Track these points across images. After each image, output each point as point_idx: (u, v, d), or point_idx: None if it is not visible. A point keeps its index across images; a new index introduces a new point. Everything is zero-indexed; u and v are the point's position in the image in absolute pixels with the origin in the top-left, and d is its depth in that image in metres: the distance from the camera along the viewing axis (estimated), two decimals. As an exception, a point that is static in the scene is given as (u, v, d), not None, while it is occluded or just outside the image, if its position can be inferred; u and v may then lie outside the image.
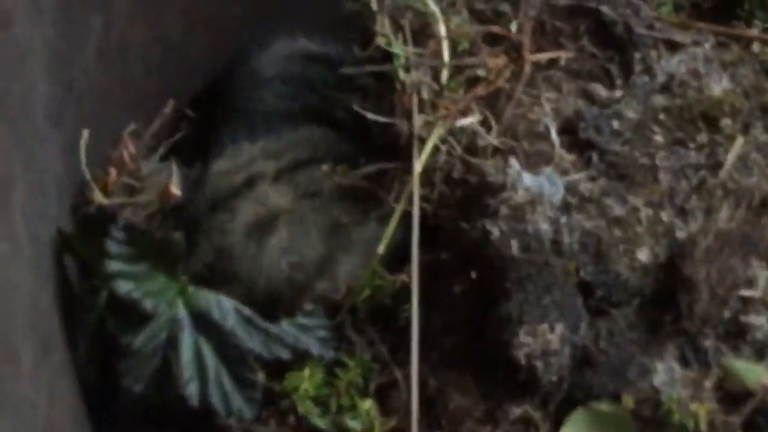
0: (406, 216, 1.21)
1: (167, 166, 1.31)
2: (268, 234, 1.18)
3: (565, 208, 1.19)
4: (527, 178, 1.16)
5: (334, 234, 1.20)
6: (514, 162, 1.15)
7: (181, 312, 1.10)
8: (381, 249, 1.16)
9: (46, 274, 1.07)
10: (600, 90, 1.35)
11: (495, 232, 1.12)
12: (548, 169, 1.18)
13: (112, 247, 1.07)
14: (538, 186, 1.17)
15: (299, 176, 1.23)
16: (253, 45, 1.41)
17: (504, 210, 1.14)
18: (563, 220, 1.17)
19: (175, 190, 1.18)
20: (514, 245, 1.12)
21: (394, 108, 1.24)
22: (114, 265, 1.07)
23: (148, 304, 1.06)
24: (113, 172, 1.19)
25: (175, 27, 1.35)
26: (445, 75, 1.24)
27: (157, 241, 1.09)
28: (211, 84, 1.43)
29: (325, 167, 1.20)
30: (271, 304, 1.21)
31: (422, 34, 1.31)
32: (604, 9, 1.35)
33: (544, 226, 1.14)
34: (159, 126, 1.30)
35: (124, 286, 1.05)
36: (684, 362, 1.15)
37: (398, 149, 1.23)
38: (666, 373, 1.13)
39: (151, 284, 1.06)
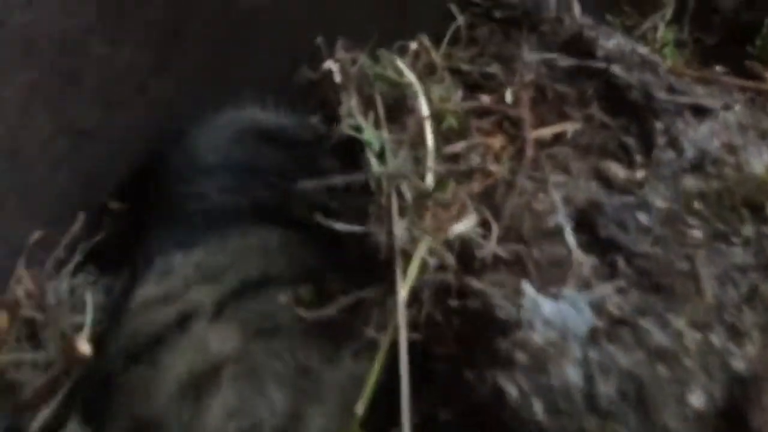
0: (390, 353, 0.85)
1: (82, 289, 0.93)
2: (208, 393, 0.76)
3: (593, 337, 0.84)
4: (546, 307, 0.80)
5: (298, 382, 0.78)
6: (527, 287, 0.79)
7: None
8: (360, 408, 0.80)
9: None
10: (617, 170, 0.99)
11: (512, 392, 0.75)
12: (570, 291, 0.83)
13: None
14: (560, 317, 0.81)
15: (248, 307, 0.80)
16: (189, 122, 1.03)
17: (521, 357, 0.76)
18: (593, 356, 0.81)
19: (83, 346, 0.76)
20: (538, 407, 0.75)
21: (367, 210, 0.88)
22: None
23: None
24: (4, 317, 0.81)
25: (84, 110, 0.91)
26: (430, 165, 0.88)
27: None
28: (138, 170, 1.05)
29: (283, 297, 0.78)
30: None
31: (398, 110, 0.93)
32: (616, 69, 0.99)
33: (573, 376, 0.78)
34: (72, 236, 0.92)
35: None
36: None
37: (376, 265, 0.87)
38: None
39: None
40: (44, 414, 0.76)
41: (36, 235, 0.88)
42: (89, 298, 0.81)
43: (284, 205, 0.89)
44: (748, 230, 0.88)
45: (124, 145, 0.95)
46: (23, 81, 0.83)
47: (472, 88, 0.95)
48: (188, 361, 0.77)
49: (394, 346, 0.78)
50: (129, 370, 0.77)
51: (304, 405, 0.78)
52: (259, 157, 0.93)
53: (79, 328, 0.85)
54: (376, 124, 0.81)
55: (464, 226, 0.78)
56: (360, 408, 0.75)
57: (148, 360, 0.77)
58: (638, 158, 0.93)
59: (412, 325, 0.79)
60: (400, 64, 0.81)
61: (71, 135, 0.90)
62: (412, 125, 0.81)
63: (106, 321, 0.87)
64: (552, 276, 0.81)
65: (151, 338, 0.78)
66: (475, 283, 0.77)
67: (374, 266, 0.80)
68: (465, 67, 0.94)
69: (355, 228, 0.79)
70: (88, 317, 0.79)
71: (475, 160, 0.81)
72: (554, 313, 0.75)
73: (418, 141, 0.82)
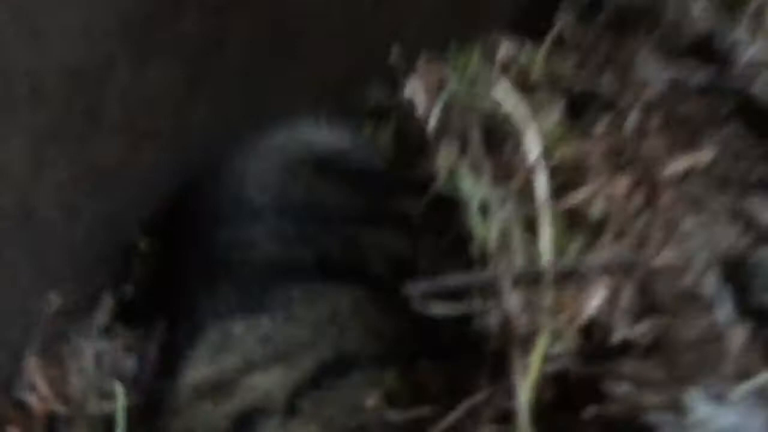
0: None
1: (110, 362, 0.77)
2: None
3: None
4: (720, 424, 0.64)
5: None
6: (693, 398, 0.62)
7: None
8: None
9: None
10: (761, 209, 0.83)
11: None
12: (740, 391, 0.66)
13: None
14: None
15: (328, 400, 0.63)
16: (229, 149, 0.86)
17: None
18: None
19: None
20: None
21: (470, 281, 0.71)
22: None
23: None
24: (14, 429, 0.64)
25: (106, 147, 0.71)
26: (545, 223, 0.71)
27: None
28: (171, 208, 0.88)
29: (370, 401, 0.61)
30: None
31: (497, 149, 0.76)
32: (757, 90, 0.80)
33: None
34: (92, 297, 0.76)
35: None
36: None
37: (485, 354, 0.70)
38: None
39: None
40: None
41: (53, 303, 0.73)
42: (119, 391, 0.65)
43: (356, 259, 0.73)
44: None
45: (153, 180, 0.79)
46: (33, 125, 0.66)
47: (573, 105, 0.78)
48: None
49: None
50: None
51: None
52: (320, 194, 0.77)
53: (107, 420, 0.70)
54: (475, 169, 0.65)
55: (596, 304, 0.63)
56: None
57: None
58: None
59: None
60: (504, 90, 0.64)
61: (91, 177, 0.74)
62: (519, 170, 0.65)
63: (142, 401, 0.72)
64: (704, 365, 0.66)
65: None
66: (618, 386, 0.62)
67: (481, 355, 0.65)
68: (566, 79, 0.76)
69: (457, 307, 0.63)
70: (120, 415, 0.64)
71: (600, 210, 0.65)
72: (726, 426, 0.59)
73: (526, 190, 0.66)
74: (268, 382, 0.64)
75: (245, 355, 0.66)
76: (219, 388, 0.65)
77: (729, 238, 0.73)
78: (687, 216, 0.72)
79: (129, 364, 0.76)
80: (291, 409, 0.63)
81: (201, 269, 0.77)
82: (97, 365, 0.74)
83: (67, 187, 0.70)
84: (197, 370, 0.67)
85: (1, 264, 0.66)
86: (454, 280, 0.57)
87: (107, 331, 0.78)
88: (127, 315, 0.79)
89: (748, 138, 0.77)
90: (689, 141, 0.75)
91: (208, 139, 0.81)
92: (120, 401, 0.64)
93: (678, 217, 0.72)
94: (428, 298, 0.59)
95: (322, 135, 0.81)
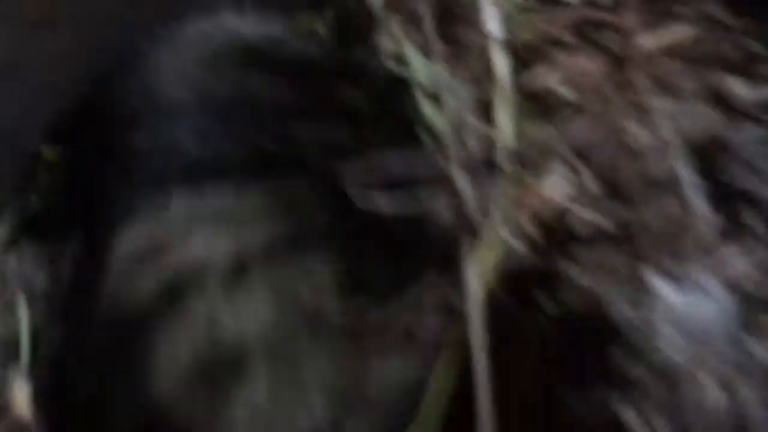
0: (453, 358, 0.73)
1: (14, 281, 0.76)
2: (228, 387, 0.63)
3: (729, 330, 0.72)
4: (674, 302, 0.67)
5: (342, 385, 0.70)
6: (658, 282, 0.66)
7: None
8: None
9: None
10: (739, 88, 0.85)
11: (631, 420, 0.62)
12: (700, 273, 0.69)
13: None
14: (692, 314, 0.69)
15: (280, 270, 0.65)
16: (143, 40, 0.84)
17: (644, 374, 0.66)
18: (735, 359, 0.70)
19: (23, 409, 0.63)
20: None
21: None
22: None
23: None
24: None
25: (4, 35, 0.74)
26: (505, 112, 0.71)
27: None
28: (79, 109, 0.86)
29: (310, 287, 0.64)
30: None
31: (448, 19, 0.76)
32: None
33: (712, 393, 0.67)
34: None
35: None
36: None
37: (434, 243, 0.73)
38: None
39: None
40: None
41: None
42: (24, 317, 0.65)
43: (296, 155, 0.73)
44: None
45: (57, 77, 0.78)
46: None
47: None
48: (194, 346, 0.62)
49: (459, 350, 0.67)
50: (112, 366, 0.64)
51: (345, 415, 0.66)
52: (250, 87, 0.77)
53: (11, 348, 0.70)
54: (424, 49, 0.66)
55: (552, 187, 0.65)
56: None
57: (138, 347, 0.62)
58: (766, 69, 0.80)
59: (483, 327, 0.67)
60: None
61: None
62: (476, 50, 0.66)
63: (61, 311, 0.73)
64: (669, 247, 0.69)
65: (138, 312, 0.63)
66: (573, 268, 0.64)
67: (430, 245, 0.67)
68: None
69: (404, 197, 0.65)
70: (24, 350, 0.64)
71: (563, 93, 0.67)
72: (685, 311, 0.63)
73: (484, 71, 0.67)
74: (212, 246, 0.65)
75: (186, 219, 0.67)
76: (154, 255, 0.65)
77: (704, 119, 0.75)
78: (660, 96, 0.75)
79: (39, 279, 0.77)
80: (237, 273, 0.64)
81: (118, 179, 0.77)
82: (2, 282, 0.75)
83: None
84: (128, 238, 0.67)
85: None
86: (397, 165, 0.59)
87: (11, 246, 0.78)
88: (33, 229, 0.80)
89: (730, 12, 0.79)
90: (666, 16, 0.76)
91: (118, 29, 0.80)
92: (24, 317, 0.65)
93: (650, 97, 0.74)
94: (372, 186, 0.60)
95: (250, 23, 0.81)
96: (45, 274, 0.74)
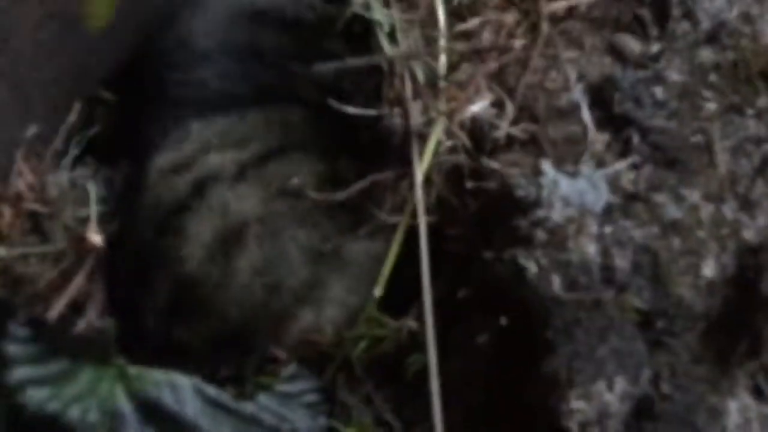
0: (408, 237, 0.95)
1: (83, 181, 1.01)
2: (234, 253, 0.89)
3: (608, 212, 0.95)
4: (564, 185, 0.90)
5: (319, 250, 0.90)
6: (546, 165, 0.89)
7: (123, 404, 0.77)
8: (379, 289, 0.91)
9: None
10: (631, 43, 1.08)
11: (531, 268, 0.86)
12: (586, 168, 0.93)
13: (12, 349, 0.74)
14: (577, 194, 0.91)
15: (270, 171, 0.91)
16: (180, 5, 1.09)
17: (540, 234, 0.85)
18: (609, 231, 0.92)
19: (94, 237, 0.85)
20: (556, 282, 0.84)
21: (380, 93, 0.96)
22: (18, 373, 0.74)
23: (73, 414, 0.73)
24: (7, 212, 0.89)
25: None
26: (443, 45, 0.96)
27: (76, 336, 0.81)
28: (129, 58, 1.11)
29: (296, 180, 0.88)
30: (248, 337, 0.91)
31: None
32: None
33: (591, 251, 0.89)
34: (67, 128, 1.00)
35: (35, 397, 0.73)
36: (760, 396, 0.95)
37: (390, 148, 0.96)
38: (740, 413, 0.93)
39: (73, 385, 0.74)
40: (61, 304, 0.87)
41: (33, 128, 0.96)
42: (92, 189, 0.90)
43: (292, 88, 0.98)
44: (762, 102, 0.98)
45: (114, 32, 1.02)
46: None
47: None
48: (213, 226, 0.88)
49: (409, 228, 0.90)
50: (155, 242, 0.89)
51: (324, 273, 0.90)
52: (259, 39, 1.01)
53: (83, 220, 0.95)
54: (386, 3, 0.89)
55: (479, 106, 0.88)
56: (379, 289, 0.86)
57: (173, 229, 0.88)
58: (653, 31, 1.02)
59: (426, 208, 0.90)
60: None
61: (61, 21, 0.97)
62: (423, 5, 0.89)
63: (116, 206, 0.97)
64: (568, 154, 0.91)
65: (173, 206, 0.88)
66: (492, 164, 0.87)
67: (388, 149, 0.90)
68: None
69: (368, 111, 0.88)
70: (93, 208, 0.89)
71: (488, 38, 0.90)
72: (572, 191, 0.85)
73: (430, 20, 0.90)
74: (222, 159, 0.91)
75: (203, 143, 0.93)
76: (181, 166, 0.92)
77: (601, 66, 0.98)
78: (566, 49, 0.97)
79: (98, 185, 1.00)
80: (239, 176, 0.90)
81: (158, 110, 1.01)
82: (71, 184, 0.99)
83: (40, 26, 0.93)
84: (162, 158, 0.93)
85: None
86: (357, 62, 0.83)
87: (78, 162, 1.02)
88: (94, 152, 1.03)
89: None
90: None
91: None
92: (93, 198, 0.88)
93: (558, 50, 0.96)
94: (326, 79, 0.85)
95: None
96: (102, 183, 0.98)
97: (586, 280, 0.81)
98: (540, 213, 0.82)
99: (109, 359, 0.75)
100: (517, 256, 0.82)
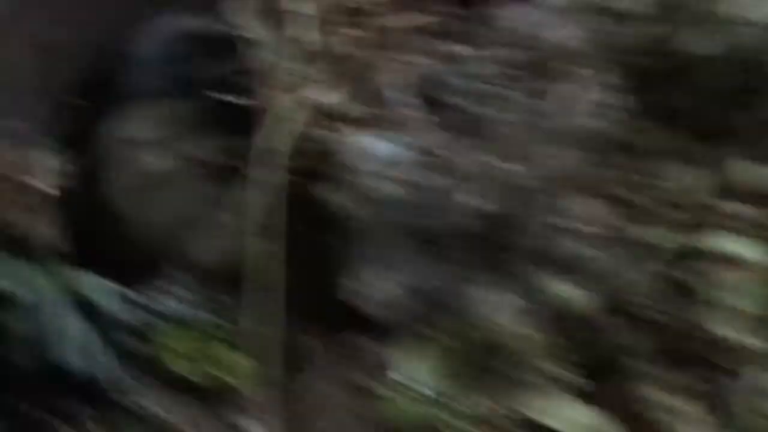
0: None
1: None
2: (162, 198, 1.35)
3: (413, 168, 1.29)
4: (374, 146, 1.26)
5: (209, 194, 1.33)
6: (370, 138, 1.23)
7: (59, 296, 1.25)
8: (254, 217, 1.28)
9: None
10: (455, 49, 1.42)
11: (341, 201, 1.22)
12: (396, 136, 1.28)
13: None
14: (386, 152, 1.27)
15: (184, 143, 1.37)
16: (134, 29, 1.53)
17: (351, 179, 1.24)
18: (410, 179, 1.26)
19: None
20: (361, 210, 1.22)
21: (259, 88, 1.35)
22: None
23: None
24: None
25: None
26: (304, 55, 1.34)
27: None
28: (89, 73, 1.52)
29: (197, 152, 1.34)
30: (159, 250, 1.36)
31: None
32: None
33: (390, 189, 1.24)
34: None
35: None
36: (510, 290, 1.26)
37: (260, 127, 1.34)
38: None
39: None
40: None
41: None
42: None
43: (201, 86, 1.38)
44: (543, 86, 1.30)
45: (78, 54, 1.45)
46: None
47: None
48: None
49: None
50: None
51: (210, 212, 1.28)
52: (189, 51, 1.42)
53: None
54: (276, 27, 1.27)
55: (330, 96, 1.24)
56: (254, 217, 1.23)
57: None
58: (474, 40, 1.36)
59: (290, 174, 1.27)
60: None
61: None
62: (291, 26, 1.27)
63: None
64: (391, 127, 1.26)
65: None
66: (325, 132, 1.23)
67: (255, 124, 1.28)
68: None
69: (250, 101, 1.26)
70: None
71: (341, 48, 1.26)
72: (382, 150, 1.20)
73: (300, 35, 1.28)
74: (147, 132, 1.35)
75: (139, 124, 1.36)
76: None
77: (429, 65, 1.32)
78: (403, 54, 1.32)
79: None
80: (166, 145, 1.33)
81: (117, 99, 1.42)
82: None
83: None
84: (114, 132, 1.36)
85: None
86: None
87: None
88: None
89: (454, 6, 1.35)
90: (420, 9, 1.34)
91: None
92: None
93: (398, 54, 1.31)
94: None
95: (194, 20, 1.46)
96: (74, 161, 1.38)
97: (382, 208, 1.16)
98: (354, 164, 1.18)
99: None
100: (334, 195, 1.18)
